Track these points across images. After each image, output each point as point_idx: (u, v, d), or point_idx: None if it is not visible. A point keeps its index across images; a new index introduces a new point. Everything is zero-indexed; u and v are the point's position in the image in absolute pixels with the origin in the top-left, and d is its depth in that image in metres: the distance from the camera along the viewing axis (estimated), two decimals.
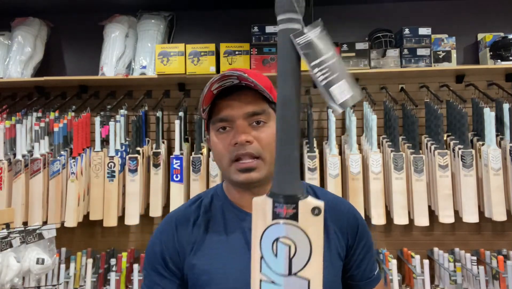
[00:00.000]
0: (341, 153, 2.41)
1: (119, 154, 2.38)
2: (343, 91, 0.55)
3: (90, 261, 2.31)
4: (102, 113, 2.48)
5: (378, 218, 2.22)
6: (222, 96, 0.84)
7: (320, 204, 0.60)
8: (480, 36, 2.54)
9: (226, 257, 0.84)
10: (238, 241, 0.85)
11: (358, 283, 0.92)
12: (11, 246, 1.38)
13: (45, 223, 2.30)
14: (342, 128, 2.57)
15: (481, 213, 2.22)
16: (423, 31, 2.40)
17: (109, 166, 2.34)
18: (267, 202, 0.62)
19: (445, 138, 2.35)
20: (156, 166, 2.39)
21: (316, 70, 0.55)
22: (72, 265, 2.39)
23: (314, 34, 0.56)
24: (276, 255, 0.61)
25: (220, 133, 0.85)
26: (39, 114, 2.48)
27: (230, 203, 0.91)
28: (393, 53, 2.41)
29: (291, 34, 0.57)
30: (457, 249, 2.41)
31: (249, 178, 0.82)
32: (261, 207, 0.64)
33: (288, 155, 0.62)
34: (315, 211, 0.60)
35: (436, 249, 2.41)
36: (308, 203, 0.60)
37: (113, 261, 2.32)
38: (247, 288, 0.74)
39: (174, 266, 0.87)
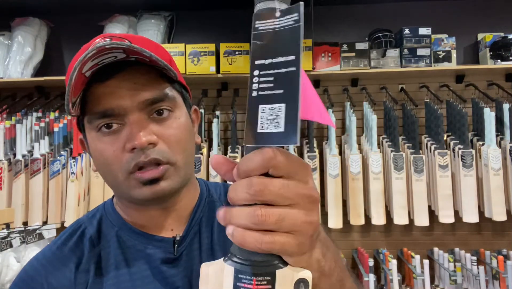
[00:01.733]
0: (341, 153, 2.41)
1: None
2: (272, 120, 0.35)
3: None
4: None
5: (378, 218, 2.22)
6: (100, 79, 0.58)
7: (307, 275, 0.39)
8: (480, 36, 2.54)
9: None
10: (151, 282, 0.61)
11: None
12: (11, 246, 1.38)
13: (45, 223, 2.29)
14: (342, 128, 2.57)
15: (481, 213, 2.22)
16: (423, 31, 2.40)
17: None
18: (226, 271, 0.38)
19: (445, 138, 2.35)
20: None
21: (256, 72, 0.37)
22: None
23: (284, 23, 0.36)
24: None
25: (104, 134, 0.59)
26: (39, 114, 2.48)
27: (128, 227, 0.65)
28: (393, 53, 2.41)
29: (254, 13, 0.38)
30: (457, 249, 2.41)
31: (158, 191, 0.58)
32: (213, 279, 0.39)
33: None
34: (300, 286, 0.38)
35: (436, 249, 2.41)
36: (289, 274, 0.38)
37: None
38: None
39: None
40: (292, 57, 0.35)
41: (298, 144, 0.34)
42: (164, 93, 0.60)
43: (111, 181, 0.62)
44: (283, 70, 0.35)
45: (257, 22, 0.37)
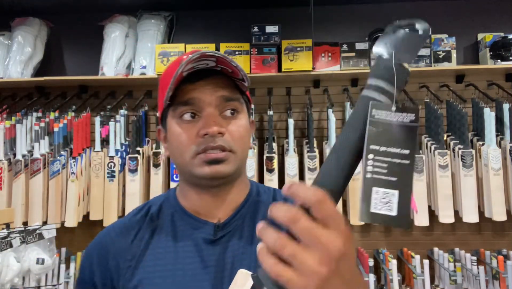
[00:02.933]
0: None
1: (119, 154, 2.38)
2: (385, 203, 0.40)
3: None
4: (102, 113, 2.48)
5: None
6: (191, 80, 0.72)
7: None
8: (480, 36, 2.54)
9: (173, 275, 0.71)
10: (190, 254, 0.72)
11: None
12: (11, 246, 1.38)
13: (45, 223, 2.29)
14: (342, 128, 2.56)
15: (481, 213, 2.22)
16: None
17: (109, 166, 2.34)
18: (249, 283, 0.53)
19: (445, 138, 2.35)
20: (156, 166, 2.39)
21: (370, 156, 0.41)
22: (72, 265, 2.39)
23: (400, 119, 0.41)
24: None
25: (183, 121, 0.72)
26: (39, 114, 2.47)
27: (183, 210, 0.78)
28: None
29: (371, 101, 0.43)
30: (457, 249, 2.41)
31: (217, 171, 0.70)
32: (239, 285, 0.56)
33: None
34: None
35: (436, 249, 2.41)
36: None
37: None
38: None
39: None
40: (407, 151, 0.41)
41: (409, 228, 0.38)
42: (236, 97, 0.74)
43: (180, 161, 0.74)
44: (397, 160, 0.41)
45: (374, 110, 0.42)
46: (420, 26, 0.44)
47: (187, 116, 0.72)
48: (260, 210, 0.79)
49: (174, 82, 0.68)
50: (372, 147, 0.41)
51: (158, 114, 0.80)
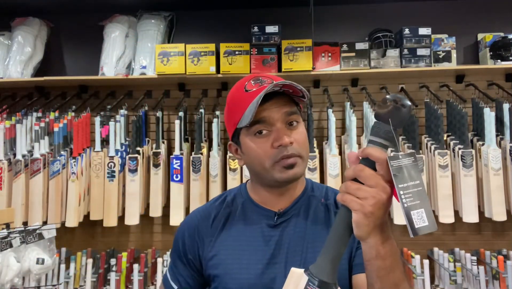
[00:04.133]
0: (341, 153, 2.41)
1: (119, 154, 2.38)
2: (420, 218, 0.61)
3: (90, 261, 2.31)
4: (102, 113, 2.48)
5: None
6: (259, 103, 0.85)
7: None
8: (480, 36, 2.54)
9: (241, 250, 0.91)
10: (255, 235, 0.92)
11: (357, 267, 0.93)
12: (11, 246, 1.38)
13: (45, 223, 2.30)
14: (342, 128, 2.57)
15: (481, 213, 2.22)
16: (423, 31, 2.40)
17: (109, 166, 2.34)
18: (303, 278, 0.67)
19: (445, 138, 2.35)
20: (156, 166, 2.39)
21: (402, 192, 0.62)
22: (72, 265, 2.39)
23: (407, 162, 0.63)
24: None
25: (257, 137, 0.88)
26: (39, 114, 2.48)
27: (252, 200, 0.97)
28: (393, 53, 2.41)
29: (387, 156, 0.64)
30: (457, 249, 2.41)
31: (293, 174, 0.87)
32: (295, 279, 0.69)
33: (339, 252, 0.68)
34: None
35: (436, 249, 2.41)
36: None
37: (113, 261, 2.32)
38: (259, 281, 0.87)
39: (193, 258, 0.96)
40: (418, 181, 0.63)
41: (437, 229, 0.61)
42: (295, 109, 0.90)
43: (259, 169, 0.90)
44: (415, 189, 0.62)
45: (391, 161, 0.62)
46: (405, 103, 0.64)
47: (259, 133, 0.88)
48: (312, 203, 0.96)
49: (253, 110, 0.82)
50: (400, 185, 0.62)
51: (228, 134, 0.96)
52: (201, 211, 1.02)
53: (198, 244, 0.96)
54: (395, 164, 0.62)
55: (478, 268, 2.24)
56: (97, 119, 2.39)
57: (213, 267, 0.92)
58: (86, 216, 2.37)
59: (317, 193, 0.99)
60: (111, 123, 2.36)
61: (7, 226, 1.50)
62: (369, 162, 0.64)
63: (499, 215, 2.15)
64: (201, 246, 0.95)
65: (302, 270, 0.68)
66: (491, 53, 2.41)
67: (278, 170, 0.87)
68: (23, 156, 2.37)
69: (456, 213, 2.24)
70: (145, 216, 2.43)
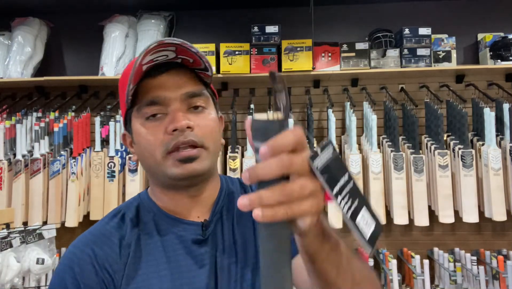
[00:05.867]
0: (341, 153, 2.41)
1: (119, 154, 2.38)
2: (367, 222, 0.46)
3: None
4: (102, 113, 2.48)
5: None
6: (152, 75, 0.69)
7: None
8: (480, 36, 2.54)
9: (172, 280, 0.68)
10: (180, 256, 0.71)
11: None
12: (11, 246, 1.38)
13: (45, 223, 2.29)
14: (342, 128, 2.57)
15: (481, 213, 2.22)
16: (423, 31, 2.40)
17: (109, 166, 2.34)
18: None
19: (445, 138, 2.35)
20: None
21: (339, 199, 0.45)
22: None
23: (328, 155, 0.46)
24: None
25: (149, 121, 0.69)
26: (39, 114, 2.47)
27: (162, 212, 0.75)
28: (393, 53, 2.41)
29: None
30: (457, 249, 2.41)
31: (191, 170, 0.67)
32: None
33: (287, 277, 0.46)
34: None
35: (436, 249, 2.41)
36: None
37: None
38: None
39: None
40: (347, 176, 0.46)
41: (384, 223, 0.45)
42: (201, 91, 0.71)
43: (150, 163, 0.70)
44: (348, 187, 0.46)
45: (314, 162, 0.44)
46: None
47: (152, 116, 0.69)
48: (234, 199, 0.79)
49: (134, 75, 0.63)
50: (335, 191, 0.44)
51: (121, 119, 0.75)
52: (91, 238, 0.72)
53: (104, 279, 0.67)
54: (319, 163, 0.45)
55: (478, 268, 2.24)
56: (97, 119, 2.39)
57: None
58: (86, 216, 2.37)
59: (234, 187, 0.82)
60: (111, 123, 2.36)
61: (7, 226, 1.50)
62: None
63: (499, 215, 2.15)
64: (111, 282, 0.67)
65: None
66: (491, 53, 2.41)
67: (170, 163, 0.68)
68: (23, 156, 2.37)
69: (456, 213, 2.24)
70: None
